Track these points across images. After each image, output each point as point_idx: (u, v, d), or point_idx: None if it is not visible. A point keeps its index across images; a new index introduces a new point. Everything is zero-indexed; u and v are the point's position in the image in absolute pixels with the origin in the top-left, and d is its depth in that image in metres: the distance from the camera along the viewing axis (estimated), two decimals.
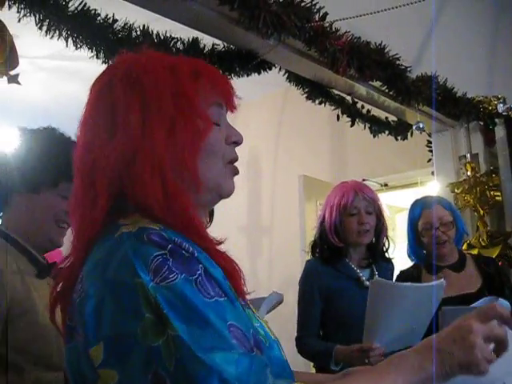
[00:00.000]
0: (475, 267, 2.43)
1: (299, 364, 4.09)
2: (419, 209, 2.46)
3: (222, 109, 0.94)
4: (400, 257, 2.67)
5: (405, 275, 2.49)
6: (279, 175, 5.19)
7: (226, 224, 4.99)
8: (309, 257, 2.44)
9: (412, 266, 2.55)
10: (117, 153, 0.82)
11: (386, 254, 2.38)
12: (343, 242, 2.27)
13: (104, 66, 2.37)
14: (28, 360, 1.31)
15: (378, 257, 2.34)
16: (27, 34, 2.45)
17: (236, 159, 0.96)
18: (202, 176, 0.87)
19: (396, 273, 2.51)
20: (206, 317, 0.71)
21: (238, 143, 0.96)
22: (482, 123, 3.49)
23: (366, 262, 2.32)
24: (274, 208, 5.21)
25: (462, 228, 2.50)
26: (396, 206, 5.39)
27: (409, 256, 2.57)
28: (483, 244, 3.18)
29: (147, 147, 0.83)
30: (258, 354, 0.75)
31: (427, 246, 2.44)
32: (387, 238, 2.36)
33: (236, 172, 0.96)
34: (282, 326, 4.60)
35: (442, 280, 1.85)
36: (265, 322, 0.96)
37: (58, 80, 4.70)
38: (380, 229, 2.31)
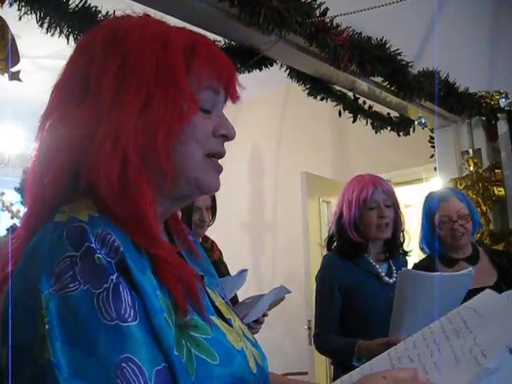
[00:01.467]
0: (489, 260, 2.43)
1: (305, 358, 4.09)
2: (436, 201, 2.45)
3: (217, 95, 0.81)
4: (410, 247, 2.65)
5: (420, 268, 2.48)
6: (281, 172, 5.19)
7: (229, 221, 5.02)
8: (317, 251, 2.41)
9: (426, 259, 2.54)
10: (81, 120, 0.72)
11: (403, 248, 2.35)
12: (363, 237, 2.23)
13: None
14: None
15: (395, 251, 2.31)
16: (28, 34, 2.45)
17: (221, 154, 0.82)
18: (175, 163, 0.75)
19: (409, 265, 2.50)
20: (93, 343, 0.60)
21: (228, 138, 0.82)
22: (484, 118, 3.48)
23: (384, 256, 2.29)
24: (276, 205, 5.21)
25: (478, 220, 2.50)
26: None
27: (421, 249, 2.56)
28: (486, 242, 3.17)
29: (114, 119, 0.71)
30: None
31: (444, 238, 2.42)
32: (403, 232, 2.34)
33: (219, 169, 0.82)
34: (288, 322, 4.62)
35: (471, 269, 1.84)
36: (235, 322, 0.86)
37: None
38: (398, 222, 2.28)
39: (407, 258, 2.46)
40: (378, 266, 2.25)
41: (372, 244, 2.27)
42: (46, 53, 4.20)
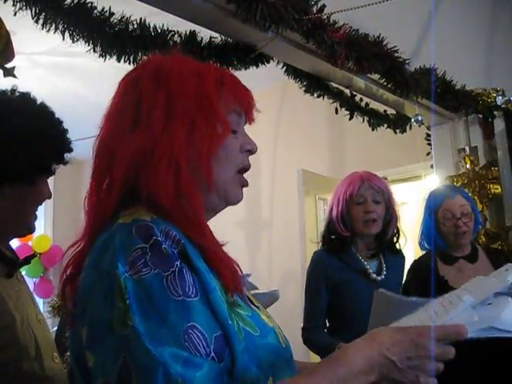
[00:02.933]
0: (487, 258, 2.43)
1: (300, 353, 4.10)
2: (441, 197, 2.44)
3: (240, 118, 0.98)
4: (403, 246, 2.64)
5: (420, 264, 2.47)
6: (278, 169, 5.18)
7: (225, 219, 4.99)
8: (311, 249, 2.43)
9: (425, 255, 2.53)
10: (137, 143, 0.86)
11: (396, 246, 2.36)
12: (350, 231, 2.25)
13: (101, 60, 2.36)
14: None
15: (385, 248, 2.31)
16: (23, 30, 2.44)
17: (248, 167, 0.99)
18: (214, 178, 0.91)
19: (407, 264, 2.49)
20: (164, 314, 0.73)
21: (251, 152, 1.00)
22: (480, 116, 3.48)
23: (373, 252, 2.30)
24: (272, 202, 5.20)
25: (479, 220, 2.50)
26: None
27: (420, 245, 2.55)
28: (480, 241, 3.16)
29: (167, 142, 0.86)
30: (211, 360, 0.75)
31: (447, 235, 2.42)
32: (397, 230, 2.33)
33: (245, 184, 0.99)
34: (284, 319, 4.62)
35: (440, 298, 1.83)
36: (262, 310, 0.98)
37: (55, 76, 4.68)
38: (388, 219, 2.28)
39: (404, 257, 2.45)
40: (366, 263, 2.26)
41: (360, 239, 2.29)
42: (41, 49, 4.18)
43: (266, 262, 5.07)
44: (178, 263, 0.78)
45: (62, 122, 1.40)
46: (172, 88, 0.90)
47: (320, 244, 2.41)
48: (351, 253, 2.27)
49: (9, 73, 1.62)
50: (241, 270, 0.91)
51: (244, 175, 0.99)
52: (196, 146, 0.88)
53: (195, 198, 0.87)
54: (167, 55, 1.00)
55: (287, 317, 4.70)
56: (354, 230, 2.26)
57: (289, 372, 0.89)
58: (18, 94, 1.34)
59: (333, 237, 2.30)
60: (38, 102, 1.36)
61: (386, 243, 2.32)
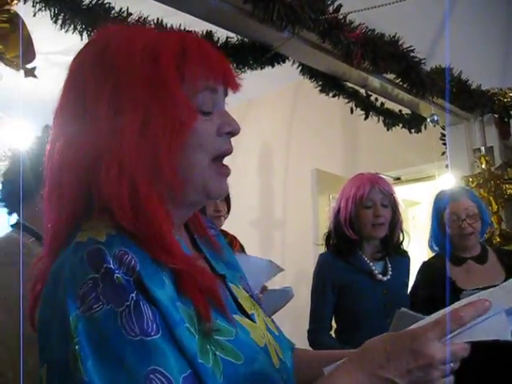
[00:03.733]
0: (497, 260, 2.42)
1: None
2: (446, 199, 2.44)
3: (215, 94, 0.80)
4: (412, 249, 2.65)
5: (429, 266, 2.47)
6: (291, 169, 5.18)
7: (238, 218, 5.00)
8: (322, 250, 2.43)
9: (434, 257, 2.54)
10: (84, 149, 0.73)
11: (402, 247, 2.37)
12: (357, 234, 2.25)
13: None
14: None
15: (391, 250, 2.32)
16: (40, 30, 2.45)
17: (228, 152, 0.82)
18: (183, 176, 0.76)
19: (413, 265, 2.49)
20: (122, 358, 0.63)
21: (233, 133, 0.82)
22: (496, 116, 3.47)
23: (380, 255, 2.31)
24: (286, 202, 5.20)
25: (487, 220, 2.48)
26: (409, 200, 5.37)
27: (430, 247, 2.55)
28: (495, 242, 3.15)
29: (115, 144, 0.72)
30: None
31: (453, 237, 2.41)
32: (402, 231, 2.35)
33: (225, 172, 0.83)
34: (296, 320, 4.61)
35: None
36: (259, 316, 0.87)
37: None
38: (395, 222, 2.29)
39: (409, 258, 2.45)
40: (371, 264, 2.27)
41: (366, 242, 2.29)
42: (57, 49, 4.20)
43: (278, 262, 5.01)
44: (134, 295, 0.66)
45: None
46: (119, 74, 0.74)
47: (324, 245, 2.41)
48: (357, 255, 2.28)
49: (30, 73, 1.64)
50: (222, 281, 0.82)
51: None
52: (151, 142, 0.73)
53: (156, 212, 0.72)
54: (118, 27, 0.82)
55: (300, 317, 4.70)
56: (362, 233, 2.26)
57: None
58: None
59: (339, 239, 2.29)
60: None
61: (391, 246, 2.33)
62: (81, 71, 0.77)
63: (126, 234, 0.71)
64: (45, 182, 0.79)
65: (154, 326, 0.66)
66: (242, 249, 2.82)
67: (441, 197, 2.52)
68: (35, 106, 4.95)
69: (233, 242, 2.79)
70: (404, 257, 2.40)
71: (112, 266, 0.67)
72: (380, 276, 2.23)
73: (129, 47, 0.76)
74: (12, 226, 1.49)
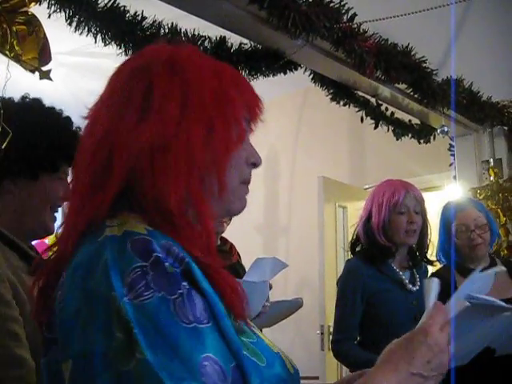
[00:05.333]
0: (506, 272, 2.40)
1: (315, 360, 4.07)
2: (453, 210, 2.42)
3: (249, 126, 0.87)
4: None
5: (437, 277, 2.45)
6: (297, 175, 5.17)
7: (243, 223, 5.00)
8: (335, 255, 2.39)
9: (442, 269, 2.51)
10: (146, 138, 0.74)
11: (427, 256, 2.32)
12: (390, 241, 2.20)
13: None
14: None
15: (419, 259, 2.28)
16: (48, 30, 2.46)
17: (249, 181, 0.88)
18: (227, 187, 0.80)
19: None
20: (176, 345, 0.63)
21: (256, 165, 0.88)
22: (506, 128, 3.46)
23: (407, 264, 2.26)
24: (291, 208, 5.19)
25: (496, 231, 2.46)
26: None
27: (438, 259, 2.53)
28: (503, 254, 3.13)
29: (183, 139, 0.75)
30: None
31: (462, 248, 2.37)
32: (429, 241, 2.31)
33: (247, 192, 0.88)
34: (300, 326, 4.61)
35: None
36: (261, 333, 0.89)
37: (79, 76, 4.71)
38: (425, 230, 2.26)
39: (433, 265, 2.43)
40: (401, 273, 2.22)
41: (398, 250, 2.24)
42: (65, 49, 4.21)
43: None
44: (186, 284, 0.67)
45: (71, 122, 1.35)
46: (188, 80, 0.79)
47: (349, 252, 2.36)
48: (387, 263, 2.22)
49: (45, 75, 1.63)
50: (244, 293, 0.83)
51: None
52: (212, 149, 0.77)
53: (206, 207, 0.76)
54: (175, 44, 0.87)
55: (303, 324, 4.70)
56: (394, 240, 2.20)
57: None
58: (28, 99, 1.36)
59: (371, 245, 2.23)
60: (48, 105, 1.36)
61: (421, 255, 2.29)
62: (146, 68, 0.80)
63: (161, 230, 0.72)
64: (81, 165, 0.79)
65: (206, 315, 0.67)
66: (239, 257, 2.80)
67: (448, 207, 2.49)
68: None
69: (232, 250, 2.77)
70: (425, 266, 2.36)
71: (161, 255, 0.67)
72: (410, 286, 2.19)
73: (196, 60, 0.83)
74: None
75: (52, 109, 1.35)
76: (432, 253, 2.38)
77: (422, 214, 2.24)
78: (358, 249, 2.31)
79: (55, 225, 1.34)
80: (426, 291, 1.23)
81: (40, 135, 1.27)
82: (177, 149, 0.75)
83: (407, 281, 2.20)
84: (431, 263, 2.36)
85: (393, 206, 2.18)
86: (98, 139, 0.77)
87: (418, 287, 2.20)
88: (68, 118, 1.36)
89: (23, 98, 1.35)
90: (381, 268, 2.20)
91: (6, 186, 1.26)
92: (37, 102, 1.35)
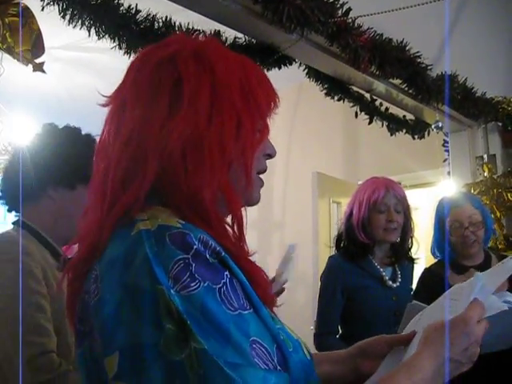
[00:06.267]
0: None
1: None
2: (448, 206, 2.42)
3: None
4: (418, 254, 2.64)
5: (431, 273, 2.45)
6: (292, 171, 5.17)
7: None
8: (327, 251, 2.42)
9: (436, 264, 2.51)
10: (178, 133, 0.75)
11: (410, 254, 2.35)
12: (369, 238, 2.24)
13: (124, 58, 2.37)
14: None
15: (401, 256, 2.31)
16: (42, 24, 2.45)
17: (265, 170, 0.91)
18: (252, 179, 0.84)
19: (416, 270, 2.48)
20: (227, 332, 0.65)
21: (271, 156, 0.92)
22: (500, 124, 3.46)
23: (389, 260, 2.30)
24: (286, 204, 5.19)
25: (491, 228, 2.46)
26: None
27: (433, 254, 2.53)
28: (500, 247, 3.14)
29: (214, 136, 0.77)
30: (282, 372, 0.70)
31: (455, 245, 2.38)
32: (412, 238, 2.33)
33: (262, 184, 0.92)
34: (294, 323, 4.61)
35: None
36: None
37: (73, 71, 4.69)
38: (407, 228, 2.28)
39: (415, 263, 2.45)
40: (382, 270, 2.25)
41: (378, 247, 2.28)
42: (59, 44, 4.19)
43: (276, 264, 5.05)
44: (227, 273, 0.70)
45: None
46: (217, 74, 0.80)
47: (333, 248, 2.40)
48: (368, 259, 2.26)
49: (38, 68, 1.62)
50: (270, 282, 0.86)
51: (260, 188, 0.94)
52: (241, 142, 0.79)
53: (238, 200, 0.80)
54: (198, 38, 0.89)
55: (297, 320, 4.69)
56: (374, 237, 2.25)
57: None
58: (68, 128, 1.54)
59: (351, 242, 2.28)
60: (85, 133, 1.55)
61: (402, 252, 2.32)
62: (172, 61, 0.80)
63: (193, 223, 0.73)
64: (105, 169, 0.79)
65: (247, 302, 0.71)
66: None
67: (443, 203, 2.48)
68: (37, 99, 4.93)
69: None
70: (410, 263, 2.39)
71: (199, 247, 0.69)
72: (390, 282, 2.22)
73: (223, 53, 0.85)
74: (13, 223, 1.48)
75: (88, 135, 1.53)
76: (417, 250, 2.40)
77: (405, 212, 2.27)
78: (342, 245, 2.35)
79: None
80: (406, 317, 1.28)
81: (78, 152, 1.45)
82: (209, 143, 0.76)
83: (388, 277, 2.24)
84: (413, 260, 2.38)
85: (372, 204, 2.22)
86: (127, 133, 0.77)
87: (398, 284, 2.24)
88: (95, 141, 1.52)
89: (65, 126, 1.55)
90: (361, 264, 2.25)
91: (48, 191, 1.44)
92: (76, 129, 1.55)
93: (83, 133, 1.53)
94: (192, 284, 0.66)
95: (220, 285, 0.68)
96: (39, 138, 1.50)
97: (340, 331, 2.28)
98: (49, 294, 1.31)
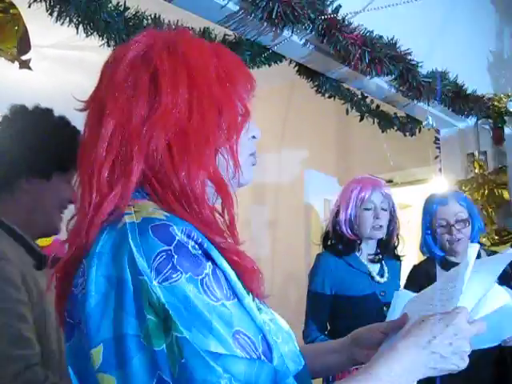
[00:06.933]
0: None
1: None
2: (435, 204, 2.44)
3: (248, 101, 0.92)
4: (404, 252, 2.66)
5: (419, 270, 2.47)
6: (284, 169, 5.16)
7: None
8: (318, 249, 2.46)
9: (425, 261, 2.53)
10: (160, 126, 0.77)
11: (396, 252, 2.41)
12: (356, 235, 2.27)
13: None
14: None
15: (387, 253, 2.35)
16: (32, 23, 2.42)
17: (254, 152, 0.94)
18: (240, 164, 0.85)
19: (405, 268, 2.50)
20: (209, 322, 0.66)
21: (255, 138, 0.94)
22: (491, 121, 3.46)
23: (376, 257, 2.33)
24: (278, 202, 5.18)
25: (478, 225, 2.47)
26: (401, 203, 5.37)
27: (421, 250, 2.55)
28: (492, 242, 3.15)
29: (197, 126, 0.78)
30: (266, 362, 0.70)
31: (442, 242, 2.41)
32: (398, 236, 2.38)
33: (255, 163, 0.94)
34: (286, 321, 4.61)
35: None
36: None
37: (62, 69, 4.66)
38: (392, 226, 2.32)
39: (402, 261, 2.49)
40: (369, 266, 2.31)
41: (365, 244, 2.34)
42: (48, 42, 4.16)
43: (268, 262, 5.05)
44: (211, 264, 0.71)
45: (78, 130, 1.40)
46: (192, 62, 0.82)
47: (321, 246, 2.43)
48: (355, 256, 2.32)
49: (24, 65, 1.60)
50: (261, 272, 0.85)
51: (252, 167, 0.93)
52: (224, 129, 0.82)
53: (227, 188, 0.81)
54: (171, 30, 0.92)
55: (289, 317, 4.68)
56: (361, 234, 2.31)
57: (309, 379, 0.84)
58: (40, 108, 1.45)
59: (338, 239, 2.33)
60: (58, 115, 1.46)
61: (388, 249, 2.37)
62: (148, 58, 0.81)
63: (179, 216, 0.74)
64: (90, 166, 0.79)
65: (231, 292, 0.71)
66: None
67: (430, 200, 2.51)
68: (26, 98, 4.90)
69: None
70: (397, 260, 2.44)
71: (182, 239, 0.70)
72: (378, 277, 2.25)
73: (196, 44, 0.86)
74: None
75: (62, 118, 1.43)
76: (403, 247, 2.45)
77: (390, 209, 2.35)
78: (329, 243, 2.41)
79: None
80: (394, 305, 1.29)
81: (53, 139, 1.35)
82: (193, 132, 0.78)
83: (375, 273, 2.29)
84: (398, 258, 2.42)
85: (360, 202, 2.29)
86: (109, 132, 0.78)
87: (386, 279, 2.28)
88: (74, 127, 1.42)
89: (36, 107, 1.44)
90: (349, 261, 2.30)
91: (21, 184, 1.34)
92: (49, 111, 1.43)
93: (59, 116, 1.43)
94: (174, 275, 0.67)
95: (202, 275, 0.69)
96: (7, 122, 1.37)
97: (328, 327, 2.31)
98: (30, 301, 1.23)
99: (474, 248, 0.94)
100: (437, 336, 0.81)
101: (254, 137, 0.93)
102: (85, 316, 0.70)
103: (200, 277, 0.69)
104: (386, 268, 2.34)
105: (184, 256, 0.69)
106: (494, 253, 2.77)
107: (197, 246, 0.71)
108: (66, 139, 1.37)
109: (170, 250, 0.68)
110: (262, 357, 0.70)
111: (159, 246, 0.68)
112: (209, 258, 0.72)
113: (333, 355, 1.09)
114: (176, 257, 0.68)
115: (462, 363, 0.83)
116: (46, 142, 1.34)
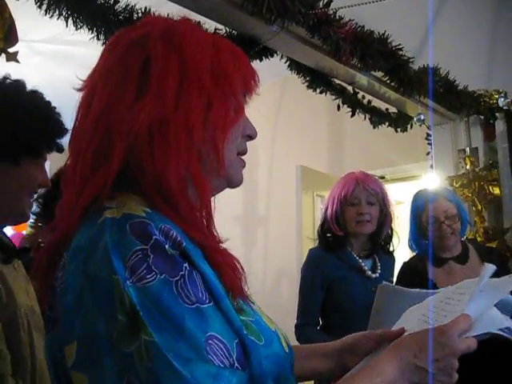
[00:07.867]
0: (478, 259, 2.42)
1: None
2: (423, 201, 2.44)
3: (245, 100, 0.89)
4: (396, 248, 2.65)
5: (409, 267, 2.47)
6: (276, 165, 5.16)
7: (221, 213, 4.98)
8: (311, 244, 2.47)
9: (415, 257, 2.53)
10: (146, 113, 0.74)
11: (388, 247, 2.39)
12: (343, 231, 2.29)
13: (101, 49, 2.33)
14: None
15: (378, 248, 2.34)
16: (23, 17, 2.41)
17: (245, 152, 0.90)
18: (225, 161, 0.81)
19: (398, 264, 2.50)
20: (181, 326, 0.64)
21: (251, 138, 0.91)
22: (482, 117, 3.47)
23: (367, 252, 2.33)
24: (270, 198, 5.19)
25: (467, 220, 2.48)
26: (392, 199, 5.38)
27: (410, 247, 2.55)
28: (479, 240, 3.16)
29: (181, 117, 0.75)
30: (238, 370, 0.68)
31: (432, 238, 2.40)
32: (391, 231, 2.37)
33: (244, 165, 0.90)
34: (278, 316, 4.61)
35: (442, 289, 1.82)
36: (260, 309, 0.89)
37: (54, 64, 4.65)
38: (383, 220, 2.31)
39: (395, 256, 2.49)
40: (361, 261, 2.30)
41: (355, 239, 2.33)
42: (40, 37, 4.14)
43: (260, 258, 5.05)
44: (187, 265, 0.68)
45: (54, 107, 1.34)
46: (187, 54, 0.79)
47: (317, 241, 2.44)
48: (346, 251, 2.32)
49: (11, 57, 1.59)
50: (243, 270, 0.82)
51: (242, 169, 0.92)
52: (212, 125, 0.78)
53: (206, 185, 0.77)
54: (170, 18, 0.87)
55: (282, 314, 4.68)
56: (347, 230, 2.31)
57: (293, 381, 0.82)
58: (9, 80, 1.30)
59: (328, 235, 2.33)
60: (31, 88, 1.32)
61: (380, 243, 2.37)
62: (143, 43, 0.79)
63: (161, 212, 0.72)
64: (77, 151, 0.77)
65: (207, 295, 0.69)
66: None
67: (418, 197, 2.51)
68: None
69: None
70: (390, 256, 2.43)
71: (159, 238, 0.68)
72: (369, 273, 2.26)
73: (194, 34, 0.82)
74: None
75: (35, 92, 1.31)
76: (398, 243, 2.44)
77: (380, 204, 2.32)
78: (322, 238, 2.41)
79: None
80: (377, 298, 1.28)
81: (24, 120, 1.22)
82: (176, 124, 0.75)
83: (367, 268, 2.29)
84: (389, 253, 2.42)
85: (343, 198, 2.30)
86: (95, 117, 0.76)
87: (378, 274, 2.29)
88: (49, 103, 1.33)
89: (4, 78, 1.29)
90: (341, 256, 2.30)
91: None
92: (20, 85, 1.29)
93: (30, 89, 1.29)
94: (148, 276, 0.65)
95: (177, 277, 0.67)
96: None
97: (320, 322, 2.31)
98: None
99: (490, 268, 0.92)
100: (423, 351, 0.79)
101: (249, 136, 0.90)
102: (61, 311, 0.69)
103: (175, 279, 0.66)
104: (378, 264, 2.33)
105: (160, 256, 0.67)
106: (484, 247, 2.78)
107: (175, 246, 0.69)
108: (37, 117, 1.25)
109: (147, 249, 0.66)
110: (236, 364, 0.68)
111: (135, 244, 0.66)
112: (186, 258, 0.70)
113: (322, 359, 1.07)
114: (152, 257, 0.66)
115: (449, 380, 0.80)
116: (12, 121, 1.20)
